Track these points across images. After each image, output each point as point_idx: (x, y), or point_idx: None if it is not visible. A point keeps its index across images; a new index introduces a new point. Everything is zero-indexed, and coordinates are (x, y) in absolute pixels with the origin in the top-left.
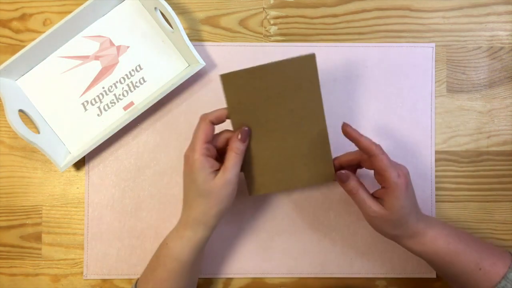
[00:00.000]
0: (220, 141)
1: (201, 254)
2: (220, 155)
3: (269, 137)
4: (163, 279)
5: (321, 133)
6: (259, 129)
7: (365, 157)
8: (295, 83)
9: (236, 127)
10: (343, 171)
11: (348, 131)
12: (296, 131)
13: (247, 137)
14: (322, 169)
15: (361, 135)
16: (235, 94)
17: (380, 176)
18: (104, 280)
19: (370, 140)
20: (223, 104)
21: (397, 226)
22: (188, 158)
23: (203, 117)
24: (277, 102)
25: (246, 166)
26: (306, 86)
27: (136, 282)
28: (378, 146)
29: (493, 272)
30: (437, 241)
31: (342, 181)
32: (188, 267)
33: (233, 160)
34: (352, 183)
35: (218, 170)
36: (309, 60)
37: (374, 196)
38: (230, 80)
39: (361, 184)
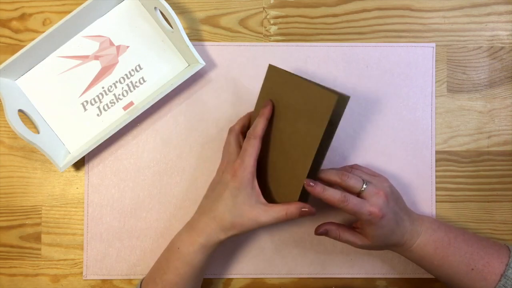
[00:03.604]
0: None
1: (211, 257)
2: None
3: (269, 139)
4: (174, 283)
5: (302, 169)
6: (269, 129)
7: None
8: (310, 110)
9: (256, 113)
10: (321, 229)
11: (310, 191)
12: (288, 150)
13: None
14: (288, 197)
15: (324, 190)
16: (270, 87)
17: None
18: (103, 281)
19: (332, 196)
20: (223, 104)
21: (382, 247)
22: (236, 171)
23: (253, 134)
24: (291, 116)
25: None
26: (316, 120)
27: (141, 283)
28: (341, 197)
29: (487, 271)
30: (424, 247)
31: (324, 235)
32: (199, 271)
33: (280, 217)
34: (333, 234)
35: (259, 197)
36: (329, 99)
37: (355, 225)
38: (273, 73)
39: (341, 226)
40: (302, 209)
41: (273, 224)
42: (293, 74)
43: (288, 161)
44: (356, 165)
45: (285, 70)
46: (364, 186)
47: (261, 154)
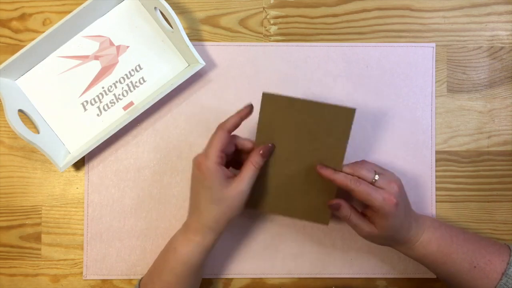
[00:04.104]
0: (232, 146)
1: (208, 256)
2: (228, 162)
3: (284, 164)
4: (171, 283)
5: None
6: (279, 154)
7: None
8: (327, 127)
9: (258, 145)
10: (334, 202)
11: (321, 174)
12: (311, 169)
13: (269, 154)
14: (320, 212)
15: (335, 174)
16: (269, 115)
17: (365, 203)
18: (103, 281)
19: (344, 177)
20: (223, 104)
21: (387, 240)
22: (200, 164)
23: (221, 126)
24: (305, 137)
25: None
26: (337, 134)
27: (139, 283)
28: (354, 178)
29: (489, 269)
30: (427, 245)
31: (334, 210)
32: (196, 270)
33: (250, 172)
34: (344, 211)
35: (230, 177)
36: (348, 113)
37: (365, 213)
38: (270, 101)
39: (352, 208)
40: (260, 151)
41: (253, 181)
42: (293, 97)
43: (308, 181)
44: (363, 160)
45: (282, 95)
46: (376, 176)
47: (275, 172)
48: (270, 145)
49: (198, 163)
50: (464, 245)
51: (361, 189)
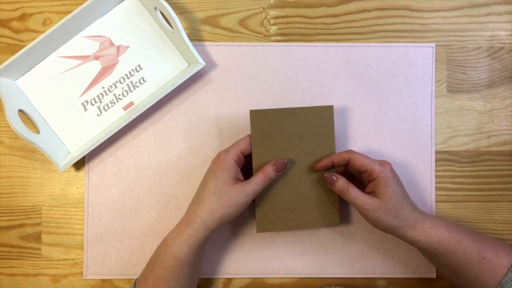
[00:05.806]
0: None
1: (201, 254)
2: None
3: (286, 175)
4: (162, 277)
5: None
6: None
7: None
8: (314, 127)
9: (256, 160)
10: (329, 174)
11: (319, 167)
12: (310, 174)
13: (282, 168)
14: (329, 214)
15: (328, 158)
16: (260, 130)
17: (365, 172)
18: (104, 280)
19: (338, 153)
20: (223, 104)
21: (394, 215)
22: (219, 156)
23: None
24: (297, 143)
25: (259, 201)
26: (323, 132)
27: (135, 281)
28: (349, 150)
29: (496, 262)
30: (438, 228)
31: (330, 184)
32: (187, 266)
33: (259, 179)
34: (340, 182)
35: (240, 179)
36: (328, 110)
37: (365, 192)
38: (258, 116)
39: (351, 183)
40: (273, 165)
41: (259, 190)
42: (277, 108)
43: (311, 185)
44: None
45: (268, 109)
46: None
47: (279, 186)
48: (285, 161)
49: (217, 155)
50: (471, 235)
51: (359, 156)
